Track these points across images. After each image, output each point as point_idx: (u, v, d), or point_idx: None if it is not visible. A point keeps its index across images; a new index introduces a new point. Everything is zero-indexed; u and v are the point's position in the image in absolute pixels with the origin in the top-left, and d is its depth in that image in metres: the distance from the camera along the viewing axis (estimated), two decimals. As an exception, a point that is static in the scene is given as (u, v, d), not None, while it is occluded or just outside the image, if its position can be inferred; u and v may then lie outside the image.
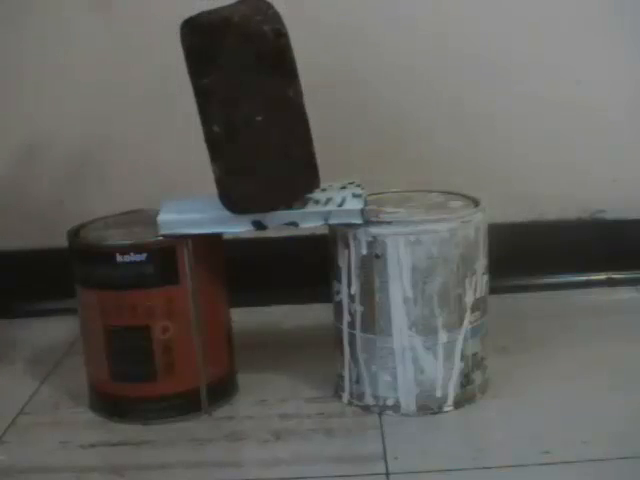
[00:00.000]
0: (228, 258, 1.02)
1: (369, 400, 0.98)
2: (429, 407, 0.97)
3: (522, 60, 1.28)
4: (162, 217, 0.96)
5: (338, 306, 0.99)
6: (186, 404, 0.99)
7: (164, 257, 0.95)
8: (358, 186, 1.02)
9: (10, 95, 1.31)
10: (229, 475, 0.88)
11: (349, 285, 0.96)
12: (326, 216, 0.95)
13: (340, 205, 0.95)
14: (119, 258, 0.94)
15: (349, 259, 0.96)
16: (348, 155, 1.26)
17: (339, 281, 0.98)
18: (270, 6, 0.91)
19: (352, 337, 0.98)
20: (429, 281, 0.94)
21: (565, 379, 1.03)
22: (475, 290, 0.96)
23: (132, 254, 0.94)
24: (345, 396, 1.01)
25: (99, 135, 1.31)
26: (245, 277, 1.15)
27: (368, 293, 0.95)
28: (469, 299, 0.96)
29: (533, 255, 1.32)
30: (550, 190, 1.32)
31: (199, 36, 0.89)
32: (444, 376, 0.96)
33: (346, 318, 0.98)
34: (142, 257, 0.94)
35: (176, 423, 0.98)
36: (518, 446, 0.89)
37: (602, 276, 1.34)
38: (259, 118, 0.91)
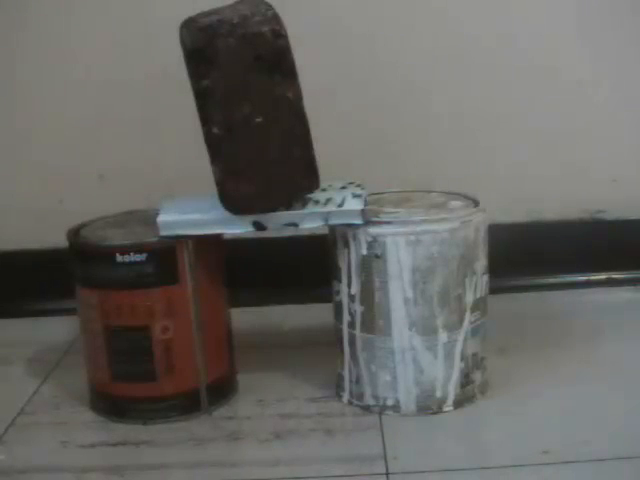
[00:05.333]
0: (228, 258, 1.02)
1: (369, 400, 0.98)
2: (429, 407, 0.97)
3: (522, 60, 1.28)
4: (162, 218, 0.96)
5: (338, 306, 0.99)
6: (186, 404, 0.99)
7: (164, 257, 0.95)
8: (358, 186, 1.02)
9: (10, 95, 1.31)
10: (229, 475, 0.88)
11: (349, 285, 0.96)
12: (326, 217, 0.95)
13: (340, 205, 0.95)
14: (119, 258, 0.94)
15: (349, 259, 0.96)
16: (348, 155, 1.26)
17: (339, 281, 0.98)
18: (269, 7, 0.91)
19: (352, 337, 0.98)
20: (429, 281, 0.94)
21: (565, 379, 1.03)
22: (475, 290, 0.96)
23: (132, 254, 0.94)
24: (345, 396, 1.01)
25: (99, 135, 1.31)
26: (245, 277, 1.15)
27: (368, 293, 0.95)
28: (469, 299, 0.96)
29: (533, 255, 1.32)
30: (550, 190, 1.32)
31: (198, 37, 0.89)
32: (444, 376, 0.96)
33: (346, 318, 0.98)
34: (142, 257, 0.94)
35: (176, 423, 0.98)
36: (518, 446, 0.90)
37: (602, 276, 1.34)
38: (258, 119, 0.91)
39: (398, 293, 0.94)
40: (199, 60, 0.89)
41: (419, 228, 0.93)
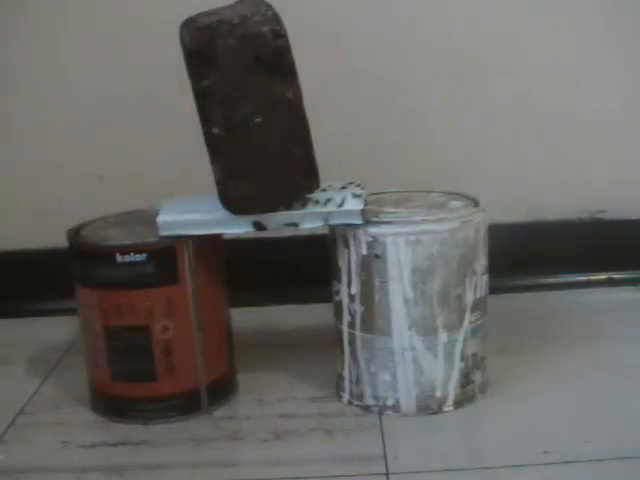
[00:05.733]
0: (228, 258, 1.02)
1: (369, 400, 0.98)
2: (429, 407, 0.97)
3: (522, 60, 1.28)
4: (162, 218, 0.96)
5: (338, 306, 0.99)
6: (186, 404, 0.99)
7: (164, 257, 0.95)
8: (358, 186, 1.02)
9: (10, 95, 1.31)
10: (229, 475, 0.89)
11: (349, 285, 0.96)
12: (326, 217, 0.95)
13: (340, 205, 0.95)
14: (119, 258, 0.94)
15: (349, 259, 0.96)
16: (348, 155, 1.26)
17: (339, 281, 0.98)
18: (269, 7, 0.91)
19: (352, 337, 0.98)
20: (429, 281, 0.94)
21: (565, 379, 1.03)
22: (475, 290, 0.96)
23: (132, 254, 0.94)
24: (345, 396, 1.01)
25: (99, 135, 1.31)
26: (245, 277, 1.15)
27: (368, 293, 0.95)
28: (469, 299, 0.96)
29: (533, 255, 1.32)
30: (550, 190, 1.32)
31: (198, 37, 0.89)
32: (444, 376, 0.96)
33: (346, 318, 0.98)
34: (142, 257, 0.94)
35: (176, 423, 0.98)
36: (518, 446, 0.90)
37: (602, 276, 1.34)
38: (258, 119, 0.91)
39: (398, 293, 0.94)
40: (199, 60, 0.89)
41: (419, 228, 0.93)
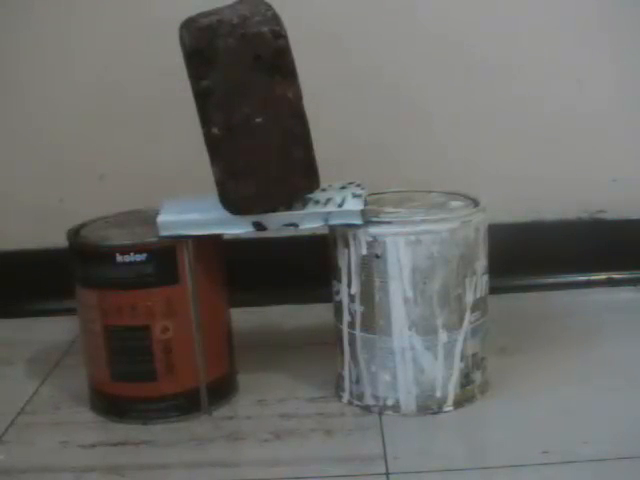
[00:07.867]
0: (228, 258, 1.02)
1: (369, 400, 0.98)
2: (429, 407, 0.97)
3: (522, 60, 1.28)
4: (162, 218, 0.96)
5: (338, 306, 0.99)
6: (186, 404, 0.99)
7: (164, 257, 0.95)
8: (358, 186, 1.02)
9: (10, 95, 1.31)
10: (229, 475, 0.89)
11: (349, 285, 0.96)
12: (326, 217, 0.95)
13: (340, 205, 0.95)
14: (119, 258, 0.94)
15: (349, 259, 0.96)
16: (348, 155, 1.26)
17: (339, 281, 0.98)
18: (269, 7, 0.91)
19: (352, 337, 0.98)
20: (429, 281, 0.94)
21: (565, 379, 1.03)
22: (475, 290, 0.96)
23: (132, 254, 0.94)
24: (345, 396, 1.01)
25: (99, 135, 1.31)
26: (245, 277, 1.15)
27: (368, 293, 0.95)
28: (469, 299, 0.96)
29: (533, 255, 1.32)
30: (550, 190, 1.32)
31: (198, 37, 0.89)
32: (444, 376, 0.96)
33: (346, 318, 0.98)
34: (142, 257, 0.94)
35: (176, 423, 0.98)
36: (518, 446, 0.90)
37: (602, 276, 1.34)
38: (258, 119, 0.91)
39: (398, 293, 0.94)
40: (199, 60, 0.89)
41: (419, 228, 0.93)
